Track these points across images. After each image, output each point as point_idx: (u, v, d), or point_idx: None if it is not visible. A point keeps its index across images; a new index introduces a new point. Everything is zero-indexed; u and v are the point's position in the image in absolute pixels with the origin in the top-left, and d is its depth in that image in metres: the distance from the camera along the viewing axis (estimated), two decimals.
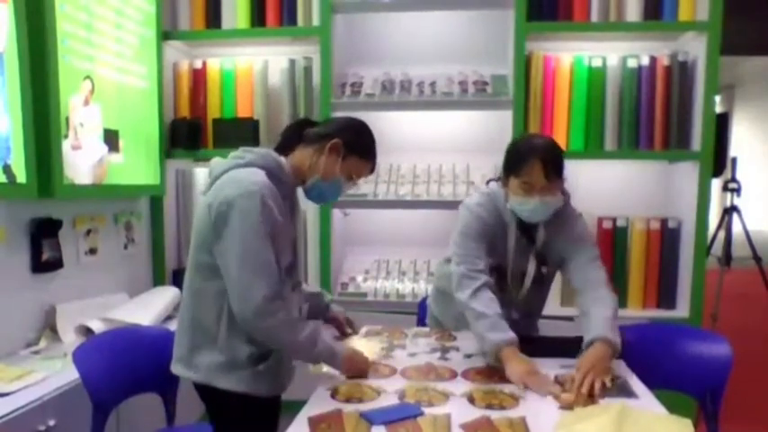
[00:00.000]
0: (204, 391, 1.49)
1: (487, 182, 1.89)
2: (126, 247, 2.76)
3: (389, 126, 3.09)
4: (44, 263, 2.19)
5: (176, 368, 1.51)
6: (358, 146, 1.54)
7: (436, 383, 1.47)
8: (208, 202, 1.40)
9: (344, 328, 1.89)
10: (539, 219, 1.70)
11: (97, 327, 2.26)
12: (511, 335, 1.55)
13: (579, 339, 1.60)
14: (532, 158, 1.60)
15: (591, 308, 1.63)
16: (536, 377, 1.47)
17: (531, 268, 1.78)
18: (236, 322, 1.39)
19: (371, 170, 1.60)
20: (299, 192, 1.60)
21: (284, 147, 1.55)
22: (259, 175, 1.40)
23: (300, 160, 1.52)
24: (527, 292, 1.82)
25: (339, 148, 1.50)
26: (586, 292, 1.68)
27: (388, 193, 2.88)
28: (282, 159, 1.50)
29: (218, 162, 1.48)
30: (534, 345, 1.64)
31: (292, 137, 1.56)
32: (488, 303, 1.62)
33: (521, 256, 1.78)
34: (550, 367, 1.57)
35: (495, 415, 1.27)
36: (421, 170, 2.98)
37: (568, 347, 1.63)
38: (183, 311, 1.50)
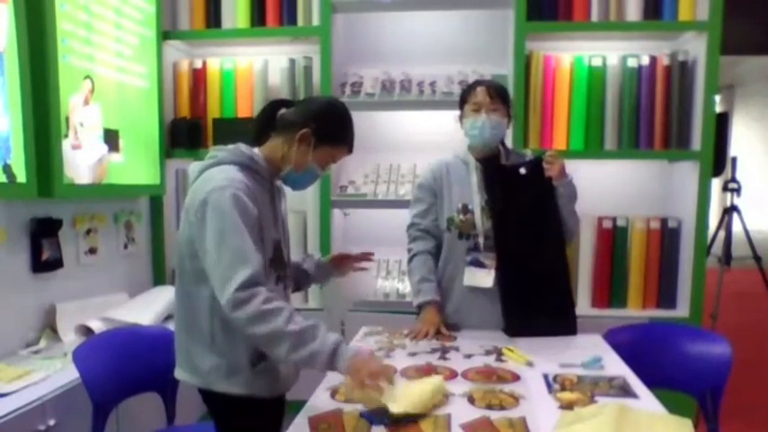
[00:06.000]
0: (206, 395, 1.48)
1: None
2: (126, 246, 2.76)
3: (389, 126, 3.10)
4: (44, 262, 2.20)
5: (178, 373, 1.50)
6: (329, 135, 1.47)
7: None
8: (186, 207, 1.41)
9: (350, 261, 1.88)
10: (489, 139, 1.94)
11: (97, 326, 2.26)
12: (428, 298, 1.95)
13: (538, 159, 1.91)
14: (477, 85, 1.97)
15: None
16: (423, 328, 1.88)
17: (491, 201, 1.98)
18: (229, 324, 1.36)
19: (349, 151, 1.55)
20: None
21: (258, 136, 1.52)
22: (230, 171, 1.39)
23: (273, 151, 1.49)
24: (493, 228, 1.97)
25: (308, 138, 1.45)
26: None
27: (388, 193, 2.88)
28: (255, 151, 1.48)
29: (193, 166, 1.47)
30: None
31: (266, 123, 1.52)
32: (420, 268, 2.03)
33: (485, 192, 1.97)
34: (551, 367, 1.57)
35: (495, 415, 1.27)
36: (421, 170, 2.98)
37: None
38: (177, 317, 1.51)
